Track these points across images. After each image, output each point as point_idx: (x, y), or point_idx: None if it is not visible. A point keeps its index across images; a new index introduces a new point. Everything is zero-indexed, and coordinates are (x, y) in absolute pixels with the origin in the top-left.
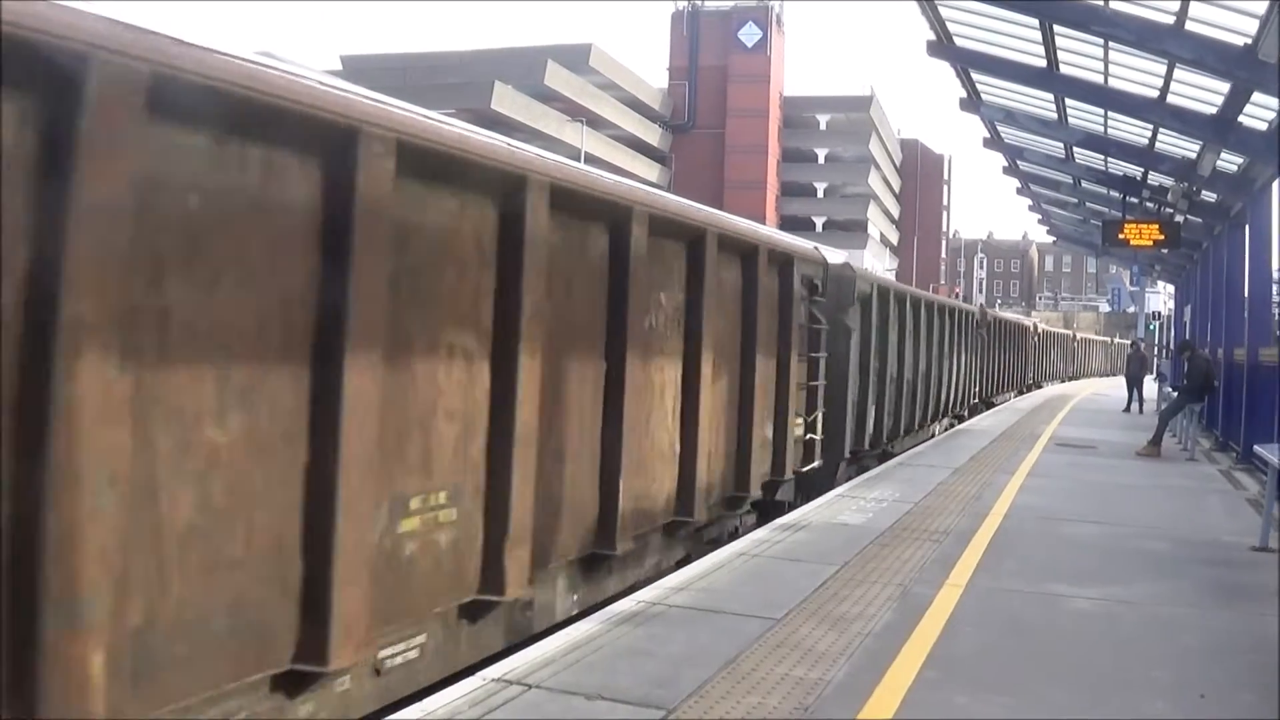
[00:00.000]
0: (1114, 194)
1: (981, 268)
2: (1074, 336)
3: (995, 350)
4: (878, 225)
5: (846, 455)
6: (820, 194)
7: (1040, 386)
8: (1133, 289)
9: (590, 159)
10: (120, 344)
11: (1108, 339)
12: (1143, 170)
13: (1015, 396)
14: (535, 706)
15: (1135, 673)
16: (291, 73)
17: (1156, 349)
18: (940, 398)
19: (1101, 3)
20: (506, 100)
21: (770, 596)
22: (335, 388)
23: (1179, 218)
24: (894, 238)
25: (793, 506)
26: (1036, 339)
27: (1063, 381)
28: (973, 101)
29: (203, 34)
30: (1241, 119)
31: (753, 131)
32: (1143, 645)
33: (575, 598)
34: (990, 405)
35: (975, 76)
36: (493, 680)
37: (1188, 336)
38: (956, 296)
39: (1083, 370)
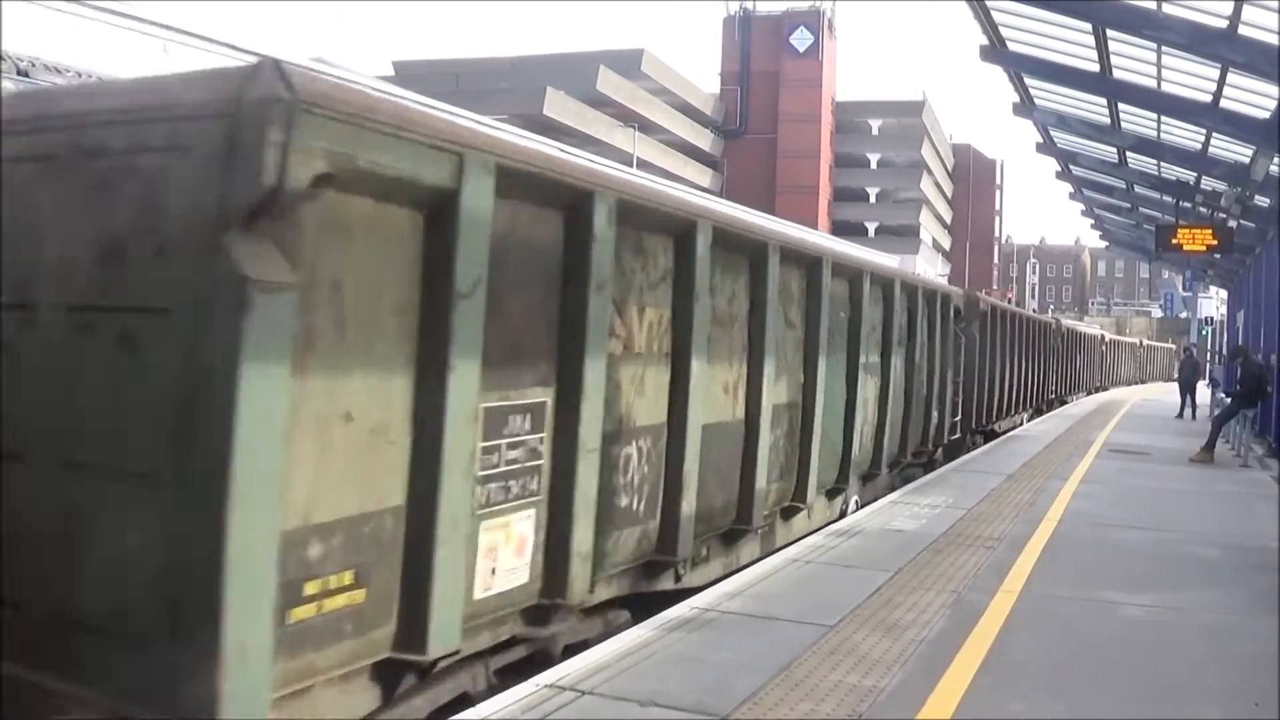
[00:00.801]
0: (1167, 199)
1: (1034, 273)
2: (1102, 338)
3: (992, 358)
4: (930, 230)
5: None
6: (873, 199)
7: (1064, 401)
8: (1185, 294)
9: (642, 164)
10: None
11: (1137, 340)
12: (1196, 175)
13: (1030, 418)
14: (588, 712)
15: (1188, 680)
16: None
17: (1210, 354)
18: (859, 442)
19: (1154, 7)
20: (558, 106)
21: (823, 603)
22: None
23: (1232, 223)
24: (946, 243)
25: None
26: (1059, 341)
27: (1089, 393)
28: (1025, 106)
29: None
30: None
31: (805, 136)
32: (1195, 652)
33: None
34: (993, 435)
35: (1028, 81)
36: (545, 686)
37: (1241, 342)
38: (1009, 302)
39: (1110, 379)
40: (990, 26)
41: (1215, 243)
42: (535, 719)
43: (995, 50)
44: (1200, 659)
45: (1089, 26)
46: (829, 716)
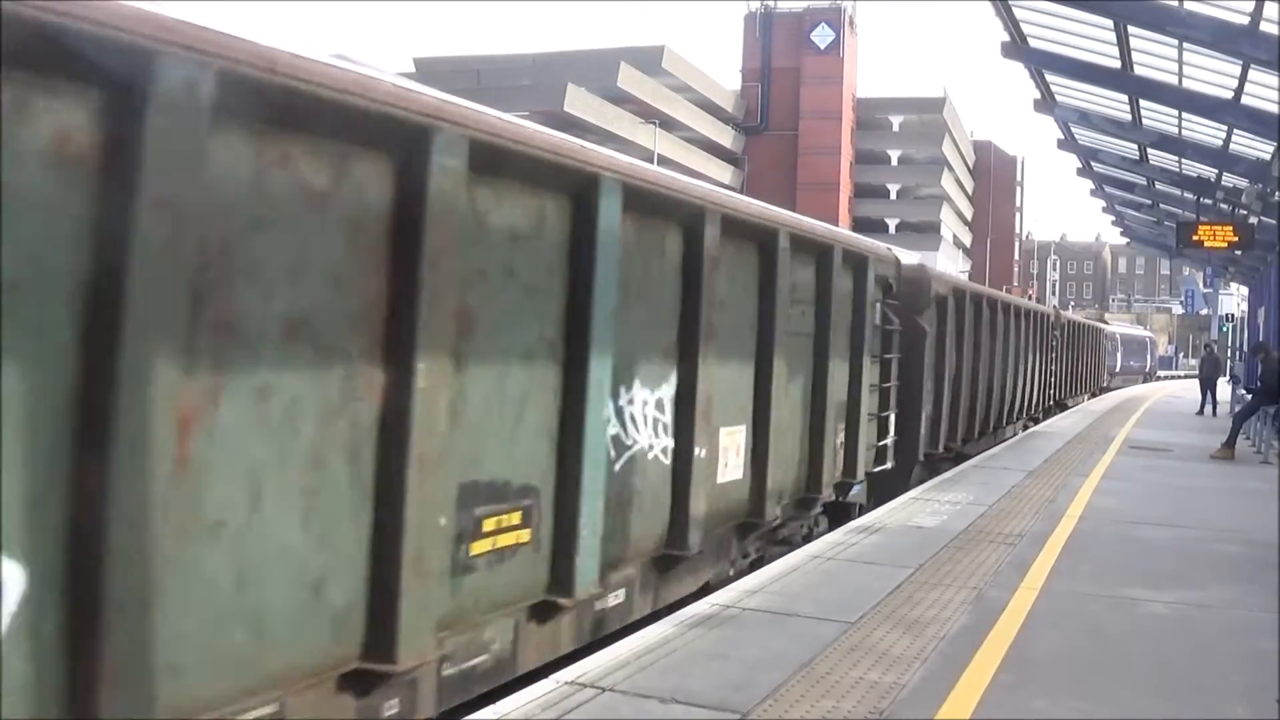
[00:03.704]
0: (1188, 195)
1: (1054, 270)
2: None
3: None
4: (951, 227)
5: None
6: (893, 195)
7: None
8: (1206, 291)
9: (663, 161)
10: None
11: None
12: (1217, 171)
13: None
14: (609, 709)
15: (1212, 677)
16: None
17: (1228, 350)
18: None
19: (1176, 4)
20: (579, 102)
21: (845, 599)
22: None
23: (1253, 219)
24: (967, 240)
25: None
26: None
27: (1142, 381)
28: (1047, 103)
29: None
30: None
31: (826, 133)
32: (1219, 649)
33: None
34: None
35: (1049, 77)
36: (566, 683)
37: (1262, 338)
38: (1030, 299)
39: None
40: (1012, 23)
41: (1236, 239)
42: (555, 716)
43: (1017, 47)
44: (1225, 656)
45: (1110, 23)
46: (850, 714)
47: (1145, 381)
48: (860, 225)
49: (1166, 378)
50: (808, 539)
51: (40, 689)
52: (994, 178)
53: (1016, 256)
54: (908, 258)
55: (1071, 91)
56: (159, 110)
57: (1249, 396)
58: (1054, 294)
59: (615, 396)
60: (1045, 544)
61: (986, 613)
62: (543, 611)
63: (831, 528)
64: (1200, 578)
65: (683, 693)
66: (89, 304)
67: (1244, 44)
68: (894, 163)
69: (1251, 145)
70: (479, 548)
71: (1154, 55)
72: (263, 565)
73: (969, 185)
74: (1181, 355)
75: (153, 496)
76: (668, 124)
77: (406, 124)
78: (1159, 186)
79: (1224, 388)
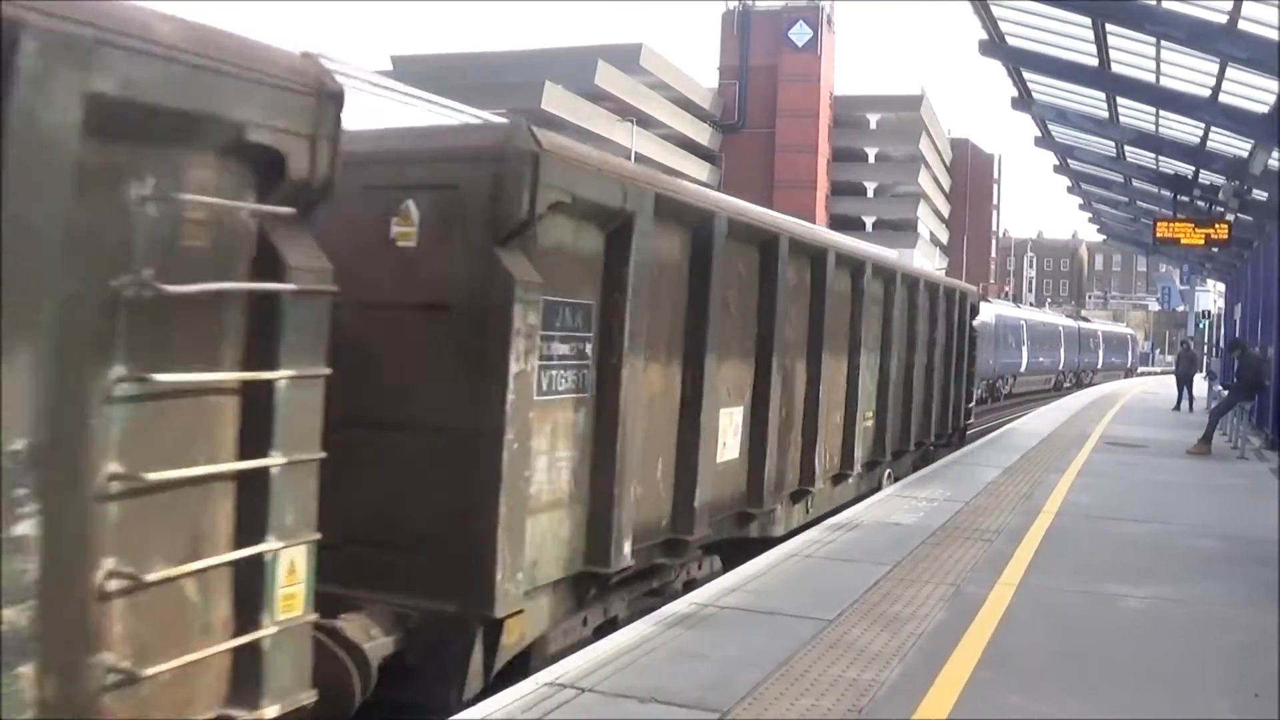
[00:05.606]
0: (1165, 193)
1: (1031, 267)
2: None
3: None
4: (928, 224)
5: None
6: (870, 193)
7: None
8: (1183, 288)
9: (640, 158)
10: None
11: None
12: (1194, 169)
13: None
14: (588, 710)
15: (1189, 671)
16: None
17: (1204, 347)
18: None
19: (1154, 2)
20: (557, 100)
21: (823, 597)
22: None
23: (1230, 216)
24: (944, 237)
25: None
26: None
27: (1126, 376)
28: (1024, 100)
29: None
30: None
31: (803, 131)
32: (1195, 644)
33: None
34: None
35: (1027, 75)
36: (545, 684)
37: (1238, 335)
38: (1006, 296)
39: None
40: (989, 21)
41: (1212, 236)
42: (535, 717)
43: (994, 45)
44: (1201, 650)
45: (1088, 21)
46: (829, 712)
47: (1126, 376)
48: (837, 223)
49: (1143, 374)
50: None
51: None
52: (971, 175)
53: (994, 254)
54: None
55: (1049, 89)
56: None
57: (1225, 393)
58: (1031, 291)
59: None
60: (1022, 540)
61: (964, 609)
62: None
63: None
64: (1176, 573)
65: (662, 692)
66: None
67: (1222, 42)
68: (871, 160)
69: (1228, 143)
70: None
71: (1132, 53)
72: None
73: (946, 183)
74: (1158, 352)
75: None
76: (645, 122)
77: None
78: (1136, 183)
79: (1201, 384)
